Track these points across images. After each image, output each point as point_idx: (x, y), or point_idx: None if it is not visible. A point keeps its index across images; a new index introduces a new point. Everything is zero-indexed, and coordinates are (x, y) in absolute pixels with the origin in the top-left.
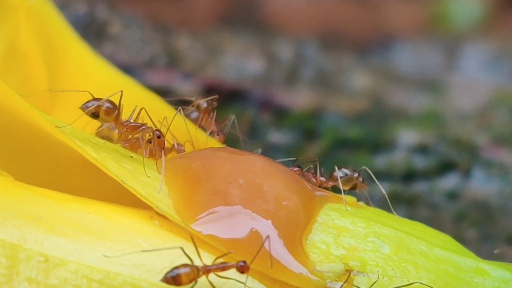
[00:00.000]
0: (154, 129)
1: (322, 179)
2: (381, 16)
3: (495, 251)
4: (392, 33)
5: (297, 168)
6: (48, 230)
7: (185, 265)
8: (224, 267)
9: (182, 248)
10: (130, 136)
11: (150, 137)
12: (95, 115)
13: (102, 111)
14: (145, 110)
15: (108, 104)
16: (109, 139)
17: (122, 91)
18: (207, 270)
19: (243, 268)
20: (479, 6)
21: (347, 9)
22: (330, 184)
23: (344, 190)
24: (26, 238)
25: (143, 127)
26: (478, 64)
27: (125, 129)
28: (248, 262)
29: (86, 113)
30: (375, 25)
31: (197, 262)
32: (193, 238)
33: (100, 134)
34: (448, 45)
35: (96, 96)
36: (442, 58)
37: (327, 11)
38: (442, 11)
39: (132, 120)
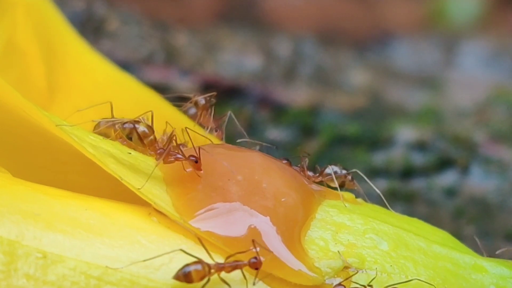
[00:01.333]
0: (189, 156)
1: (310, 174)
2: (379, 13)
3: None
4: (390, 30)
5: (285, 161)
6: (46, 226)
7: (196, 262)
8: (237, 265)
9: (183, 250)
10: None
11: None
12: (129, 137)
13: (136, 135)
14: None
15: (143, 129)
16: (106, 136)
17: (152, 112)
18: (219, 268)
19: (256, 264)
20: (477, 3)
21: (345, 6)
22: (318, 179)
23: (335, 187)
24: (24, 235)
25: (178, 155)
26: (476, 61)
27: (157, 157)
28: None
29: (122, 133)
30: (373, 22)
31: (204, 260)
32: (200, 239)
33: (98, 132)
34: (446, 42)
35: (94, 93)
36: (440, 55)
37: (325, 8)
38: (440, 8)
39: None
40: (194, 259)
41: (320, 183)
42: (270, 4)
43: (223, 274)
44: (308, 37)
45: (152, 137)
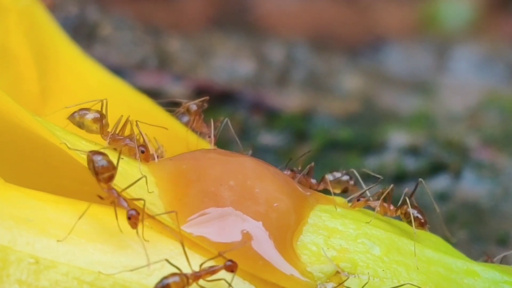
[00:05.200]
0: (138, 145)
1: (313, 181)
2: (372, 18)
3: None
4: (383, 35)
5: (290, 172)
6: (39, 232)
7: (173, 274)
8: (213, 271)
9: (167, 260)
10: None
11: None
12: (80, 124)
13: (87, 121)
14: (136, 122)
15: (93, 115)
16: (82, 125)
17: (106, 100)
18: (196, 276)
19: (231, 267)
20: (469, 8)
21: (338, 11)
22: (321, 187)
23: (335, 193)
24: (17, 240)
25: (128, 140)
26: (468, 65)
27: (108, 141)
28: (237, 262)
29: (72, 123)
30: (365, 27)
31: (187, 267)
32: (183, 244)
33: (73, 121)
34: (439, 47)
35: (86, 98)
36: (433, 60)
37: (318, 13)
38: (432, 13)
39: (117, 131)
40: (183, 266)
41: (323, 190)
42: (263, 9)
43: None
44: (301, 42)
45: (103, 122)
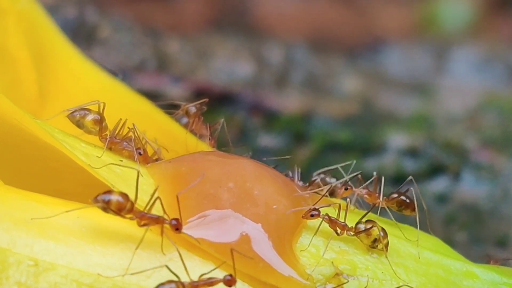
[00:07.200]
0: (136, 147)
1: (305, 185)
2: (371, 19)
3: None
4: (382, 36)
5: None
6: (38, 234)
7: (170, 281)
8: (211, 282)
9: (167, 266)
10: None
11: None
12: (79, 123)
13: (87, 122)
14: (133, 124)
15: (93, 116)
16: (81, 125)
17: (104, 103)
18: (193, 286)
19: (230, 282)
20: (468, 9)
21: (337, 12)
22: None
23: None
24: (16, 242)
25: (125, 143)
26: (467, 67)
27: (106, 145)
28: (237, 269)
29: (71, 122)
30: (364, 28)
31: (185, 273)
32: (179, 250)
33: (73, 120)
34: (438, 48)
35: (85, 100)
36: (432, 61)
37: (316, 14)
38: (431, 14)
39: (115, 133)
40: (183, 269)
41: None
42: (261, 11)
43: None
44: (300, 44)
45: (103, 124)
